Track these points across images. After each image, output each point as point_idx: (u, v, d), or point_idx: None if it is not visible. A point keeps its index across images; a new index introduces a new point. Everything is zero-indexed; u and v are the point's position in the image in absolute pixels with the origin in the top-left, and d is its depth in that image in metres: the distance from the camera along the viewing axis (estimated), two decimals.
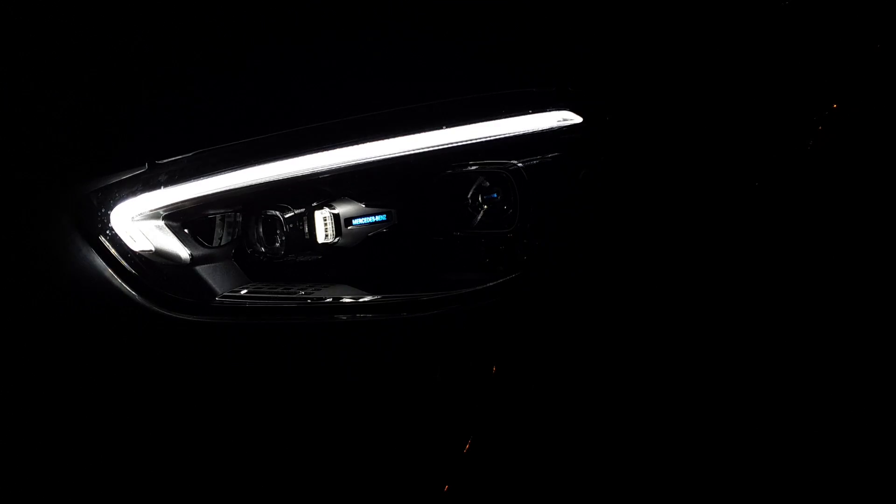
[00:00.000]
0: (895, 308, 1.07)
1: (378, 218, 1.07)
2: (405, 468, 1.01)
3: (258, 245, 1.05)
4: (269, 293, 1.04)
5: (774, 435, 1.07)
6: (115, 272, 1.00)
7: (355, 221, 1.06)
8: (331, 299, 1.02)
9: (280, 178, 0.96)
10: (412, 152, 0.97)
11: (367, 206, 1.07)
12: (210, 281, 1.05)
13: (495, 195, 1.02)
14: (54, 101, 1.07)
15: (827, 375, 1.07)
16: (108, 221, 1.00)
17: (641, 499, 1.05)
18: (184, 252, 1.04)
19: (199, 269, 1.05)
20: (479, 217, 1.04)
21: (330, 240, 1.05)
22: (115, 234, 1.01)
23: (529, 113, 0.94)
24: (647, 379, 1.01)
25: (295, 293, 1.03)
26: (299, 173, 0.96)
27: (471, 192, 1.03)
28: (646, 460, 1.04)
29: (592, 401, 1.02)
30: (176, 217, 1.03)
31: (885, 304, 1.07)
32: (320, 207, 1.04)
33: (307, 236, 1.03)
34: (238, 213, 1.07)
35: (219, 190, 0.98)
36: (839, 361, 1.07)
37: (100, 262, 1.00)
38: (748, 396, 1.05)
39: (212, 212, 1.06)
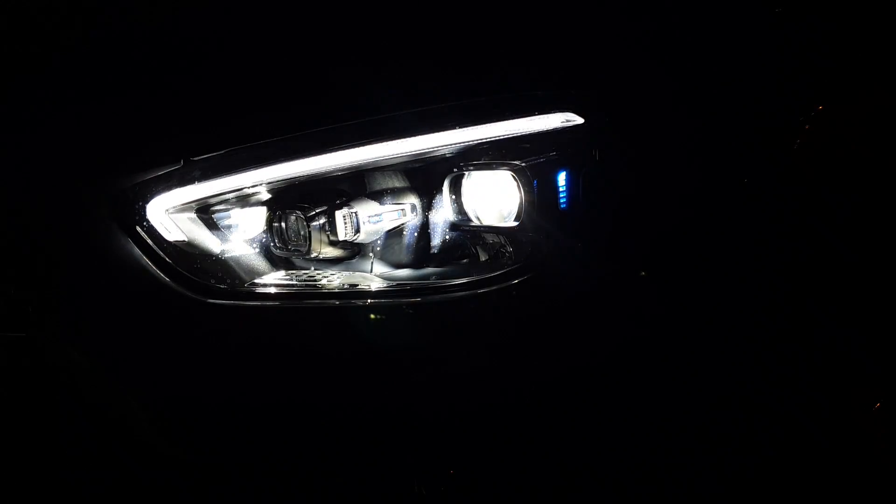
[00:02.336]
0: (883, 303, 1.12)
1: (394, 214, 1.12)
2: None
3: (283, 241, 1.11)
4: (293, 281, 1.10)
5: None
6: (150, 260, 1.05)
7: (373, 218, 1.10)
8: (349, 286, 1.08)
9: (305, 174, 1.03)
10: (425, 152, 1.03)
11: (383, 203, 1.12)
12: (238, 269, 1.10)
13: (502, 191, 1.06)
14: (95, 103, 1.13)
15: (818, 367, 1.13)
16: (145, 213, 1.05)
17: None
18: (214, 242, 1.10)
19: (229, 258, 1.10)
20: (486, 212, 1.09)
21: (350, 236, 1.10)
22: (151, 226, 1.06)
23: (535, 115, 1.00)
24: (638, 375, 1.07)
25: (317, 281, 1.09)
26: (323, 170, 1.02)
27: (479, 189, 1.09)
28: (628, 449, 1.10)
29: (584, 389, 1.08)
30: (207, 210, 1.09)
31: (873, 299, 1.13)
32: (340, 207, 1.09)
33: (329, 232, 1.09)
34: (266, 206, 1.13)
35: (248, 185, 1.04)
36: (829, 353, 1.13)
37: (136, 250, 1.05)
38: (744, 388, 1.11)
39: (241, 205, 1.12)
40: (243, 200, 1.10)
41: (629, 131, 1.03)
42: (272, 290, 1.09)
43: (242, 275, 1.10)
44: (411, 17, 1.13)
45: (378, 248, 1.15)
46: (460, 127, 1.00)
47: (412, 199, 1.14)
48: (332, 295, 1.06)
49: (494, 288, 1.01)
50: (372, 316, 1.04)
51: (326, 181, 1.07)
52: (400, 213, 1.13)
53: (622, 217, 1.04)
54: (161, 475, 1.15)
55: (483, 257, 1.15)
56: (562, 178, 0.99)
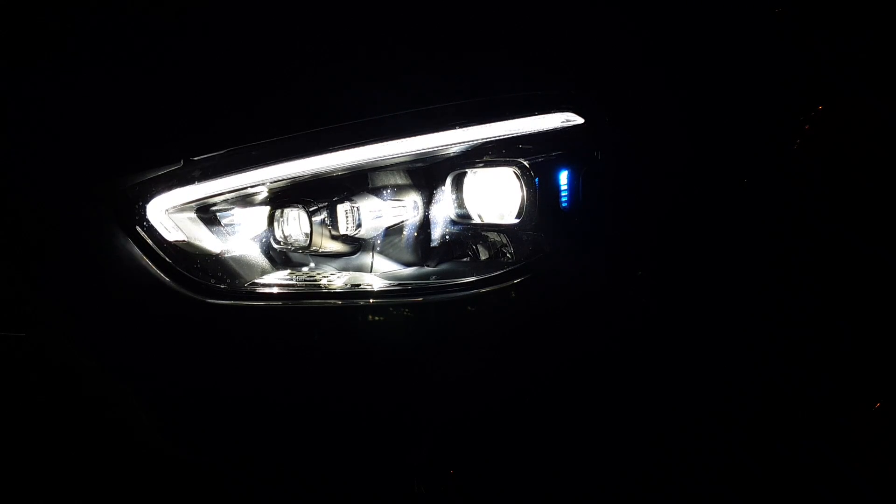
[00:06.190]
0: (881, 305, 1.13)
1: (396, 211, 1.12)
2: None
3: (284, 236, 1.11)
4: (294, 280, 1.11)
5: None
6: (150, 260, 1.05)
7: (375, 214, 1.10)
8: (349, 286, 1.08)
9: (305, 173, 1.03)
10: (426, 152, 1.03)
11: (385, 199, 1.12)
12: (239, 269, 1.10)
13: (503, 190, 1.06)
14: (95, 102, 1.13)
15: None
16: (145, 213, 1.05)
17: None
18: (214, 242, 1.10)
19: (229, 257, 1.10)
20: (487, 210, 1.09)
21: (351, 231, 1.09)
22: (151, 225, 1.06)
23: (535, 114, 1.00)
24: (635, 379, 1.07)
25: (317, 281, 1.09)
26: (324, 169, 1.02)
27: (480, 188, 1.09)
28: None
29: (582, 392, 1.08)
30: (207, 209, 1.09)
31: (871, 300, 1.13)
32: (342, 202, 1.09)
33: (330, 227, 1.08)
34: (266, 206, 1.13)
35: (248, 184, 1.03)
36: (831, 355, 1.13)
37: (136, 250, 1.05)
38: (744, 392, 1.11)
39: (241, 205, 1.12)
40: (243, 200, 1.10)
41: (629, 131, 1.03)
42: (272, 290, 1.09)
43: (242, 275, 1.10)
44: (412, 17, 1.13)
45: (379, 245, 1.15)
46: (461, 127, 1.00)
47: (414, 196, 1.14)
48: (332, 295, 1.06)
49: (495, 287, 1.01)
50: (372, 316, 1.04)
51: (328, 179, 1.07)
52: (401, 209, 1.13)
53: (622, 216, 1.04)
54: (161, 475, 1.15)
55: (484, 256, 1.15)
56: (562, 178, 1.00)
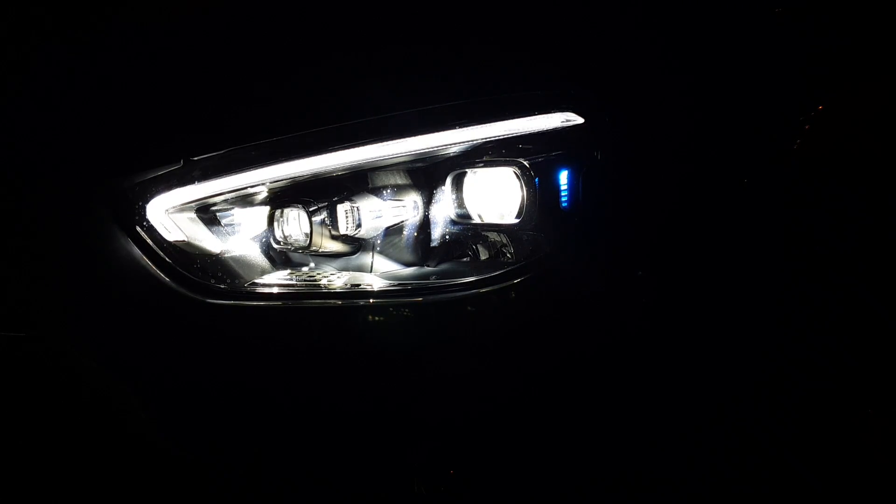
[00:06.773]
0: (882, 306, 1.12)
1: (396, 210, 1.12)
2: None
3: (284, 236, 1.11)
4: (294, 280, 1.11)
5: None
6: (150, 260, 1.05)
7: (375, 214, 1.11)
8: (349, 286, 1.08)
9: (305, 173, 1.03)
10: (426, 151, 1.03)
11: (385, 199, 1.12)
12: (238, 269, 1.10)
13: (503, 190, 1.06)
14: (95, 102, 1.13)
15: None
16: (145, 213, 1.05)
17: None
18: (214, 242, 1.10)
19: (229, 257, 1.10)
20: (487, 210, 1.09)
21: (351, 231, 1.09)
22: (151, 226, 1.06)
23: (535, 114, 1.00)
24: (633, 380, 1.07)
25: (317, 281, 1.09)
26: (323, 170, 1.02)
27: (479, 188, 1.09)
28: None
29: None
30: (207, 209, 1.09)
31: (873, 302, 1.13)
32: (342, 201, 1.09)
33: (330, 227, 1.08)
34: (266, 206, 1.13)
35: (248, 184, 1.04)
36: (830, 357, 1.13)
37: (136, 250, 1.05)
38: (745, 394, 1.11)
39: (241, 204, 1.12)
40: (243, 200, 1.10)
41: (629, 131, 1.03)
42: (272, 289, 1.09)
43: (242, 275, 1.10)
44: (412, 17, 1.13)
45: (379, 245, 1.15)
46: (460, 126, 1.00)
47: (414, 196, 1.14)
48: (332, 295, 1.06)
49: (495, 287, 1.01)
50: (372, 316, 1.04)
51: (328, 179, 1.07)
52: (401, 209, 1.13)
53: (622, 216, 1.04)
54: (161, 475, 1.15)
55: (484, 256, 1.15)
56: (563, 178, 1.00)
